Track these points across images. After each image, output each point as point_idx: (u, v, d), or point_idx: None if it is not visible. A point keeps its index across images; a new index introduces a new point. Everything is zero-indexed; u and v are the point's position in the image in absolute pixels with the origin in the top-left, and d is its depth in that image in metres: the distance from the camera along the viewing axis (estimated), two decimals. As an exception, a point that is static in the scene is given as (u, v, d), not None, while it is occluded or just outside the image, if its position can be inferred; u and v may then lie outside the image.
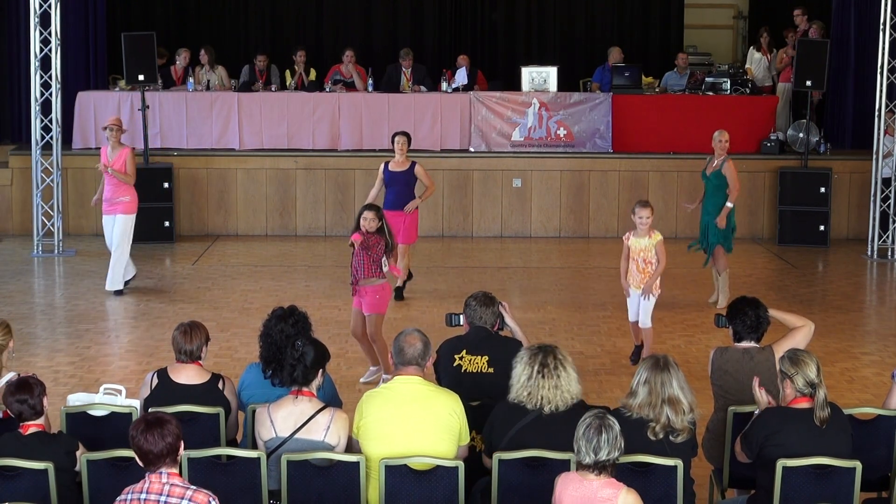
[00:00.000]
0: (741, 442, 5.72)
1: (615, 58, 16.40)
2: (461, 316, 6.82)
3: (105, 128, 11.98)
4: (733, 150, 12.04)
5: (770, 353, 6.35)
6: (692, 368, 9.21)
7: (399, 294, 11.56)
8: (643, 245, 9.32)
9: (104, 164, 11.58)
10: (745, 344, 6.46)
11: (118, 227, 11.66)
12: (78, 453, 5.52)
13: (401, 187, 11.59)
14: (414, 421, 5.57)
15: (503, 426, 5.57)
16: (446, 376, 6.36)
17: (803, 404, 5.54)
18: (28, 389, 5.51)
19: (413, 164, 11.65)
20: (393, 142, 11.68)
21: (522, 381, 5.57)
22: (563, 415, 5.50)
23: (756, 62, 16.78)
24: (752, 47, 17.08)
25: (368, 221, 8.75)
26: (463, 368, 6.38)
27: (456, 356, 6.43)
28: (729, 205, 11.28)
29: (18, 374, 6.00)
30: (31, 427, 5.50)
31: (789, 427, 5.48)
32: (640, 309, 9.38)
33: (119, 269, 11.75)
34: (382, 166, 11.62)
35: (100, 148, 12.53)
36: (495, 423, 5.63)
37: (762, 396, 5.78)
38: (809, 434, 5.46)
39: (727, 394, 6.33)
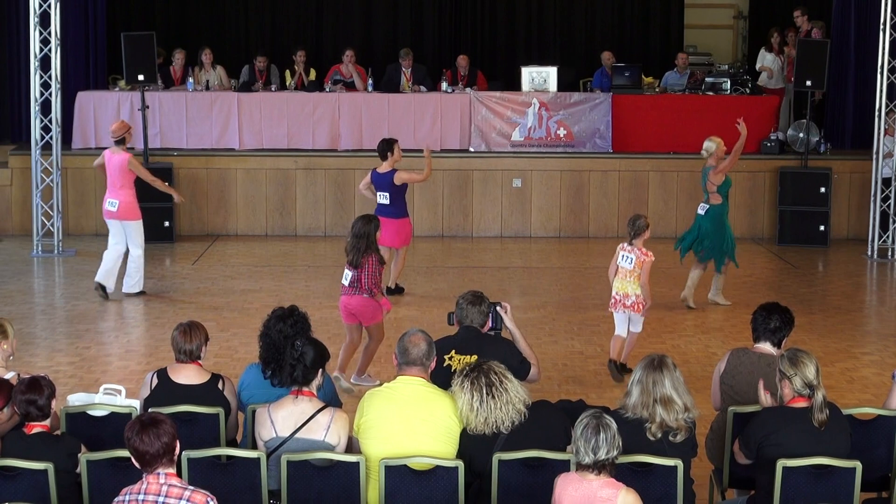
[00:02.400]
0: (740, 442, 5.72)
1: (606, 61, 16.43)
2: None
3: (127, 132, 11.58)
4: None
5: None
6: (692, 369, 9.22)
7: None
8: None
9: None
10: (762, 346, 6.40)
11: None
12: (80, 455, 5.50)
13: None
14: (414, 422, 5.57)
15: (481, 455, 5.47)
16: (437, 378, 6.33)
17: (801, 404, 5.53)
18: (38, 390, 5.49)
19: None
20: (394, 150, 11.52)
21: (475, 407, 5.40)
22: (532, 417, 5.47)
23: (770, 63, 16.58)
24: (762, 49, 16.93)
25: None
26: (453, 369, 6.30)
27: (445, 357, 6.37)
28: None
29: (18, 374, 6.00)
30: (36, 427, 5.49)
31: (788, 426, 5.48)
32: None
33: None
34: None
35: (104, 149, 12.10)
36: (474, 455, 5.50)
37: (766, 400, 5.78)
38: (808, 434, 5.46)
39: (736, 395, 6.30)
